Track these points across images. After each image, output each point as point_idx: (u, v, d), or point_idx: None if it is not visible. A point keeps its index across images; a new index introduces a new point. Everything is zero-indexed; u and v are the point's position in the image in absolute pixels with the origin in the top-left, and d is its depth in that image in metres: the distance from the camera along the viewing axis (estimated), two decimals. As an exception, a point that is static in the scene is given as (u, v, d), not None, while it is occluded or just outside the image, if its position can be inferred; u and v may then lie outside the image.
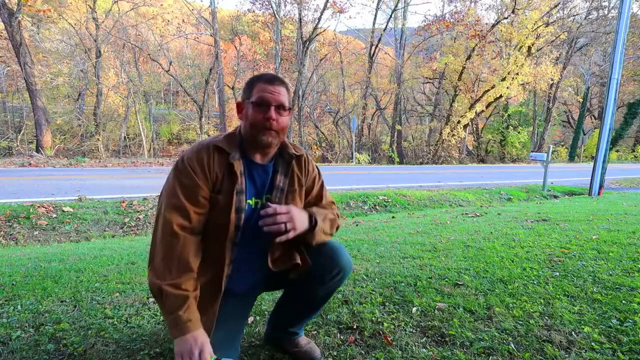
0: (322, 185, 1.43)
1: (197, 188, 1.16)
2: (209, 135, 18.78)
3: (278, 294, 1.57)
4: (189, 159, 1.17)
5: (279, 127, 1.20)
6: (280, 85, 1.21)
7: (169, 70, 17.22)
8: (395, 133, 20.80)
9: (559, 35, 17.33)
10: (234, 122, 23.87)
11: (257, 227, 1.24)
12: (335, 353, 1.44)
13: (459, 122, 17.78)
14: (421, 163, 18.46)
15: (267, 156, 1.27)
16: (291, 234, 1.17)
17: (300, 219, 1.21)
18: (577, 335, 1.50)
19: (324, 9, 17.20)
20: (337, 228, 1.39)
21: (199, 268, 1.17)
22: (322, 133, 21.07)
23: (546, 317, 1.66)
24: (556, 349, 1.41)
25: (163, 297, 1.08)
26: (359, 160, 16.79)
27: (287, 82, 1.26)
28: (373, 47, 19.77)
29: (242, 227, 1.22)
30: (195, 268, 1.15)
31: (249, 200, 1.24)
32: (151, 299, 1.91)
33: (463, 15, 17.73)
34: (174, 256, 1.11)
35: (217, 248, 1.21)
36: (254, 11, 19.24)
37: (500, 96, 17.19)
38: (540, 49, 17.57)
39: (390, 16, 19.40)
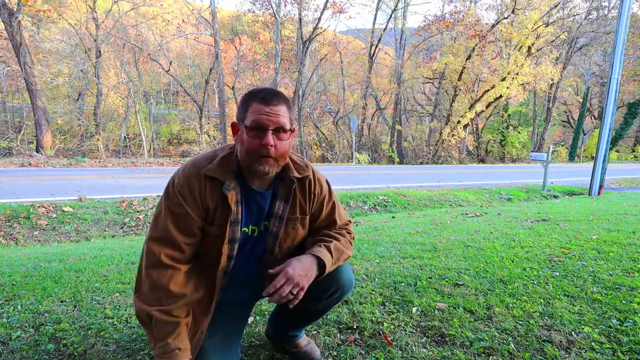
0: (333, 207, 1.28)
1: (189, 219, 1.08)
2: (209, 136, 18.65)
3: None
4: (179, 186, 1.08)
5: (277, 153, 1.06)
6: (278, 103, 1.06)
7: (169, 70, 17.23)
8: (395, 133, 20.80)
9: (559, 35, 17.33)
10: (234, 122, 23.86)
11: (251, 252, 1.21)
12: (335, 353, 1.44)
13: (459, 122, 17.78)
14: (421, 163, 18.46)
15: (266, 181, 1.17)
16: (301, 295, 1.07)
17: (303, 273, 1.08)
18: (577, 335, 1.50)
19: (324, 9, 17.21)
20: (347, 257, 1.25)
21: (192, 287, 1.13)
22: (322, 133, 21.09)
23: (546, 317, 1.66)
24: (556, 349, 1.41)
25: (152, 323, 1.01)
26: (359, 160, 16.79)
27: (287, 97, 1.12)
28: (373, 47, 19.78)
29: (235, 256, 1.16)
30: (189, 293, 1.08)
31: (244, 229, 1.17)
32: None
33: (463, 15, 17.73)
34: (162, 287, 1.04)
35: (208, 275, 1.15)
36: (254, 11, 19.28)
37: (500, 96, 17.19)
38: (540, 49, 17.57)
39: (390, 16, 19.41)
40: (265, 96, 1.06)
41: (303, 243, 1.27)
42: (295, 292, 1.06)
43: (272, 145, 1.04)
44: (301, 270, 1.08)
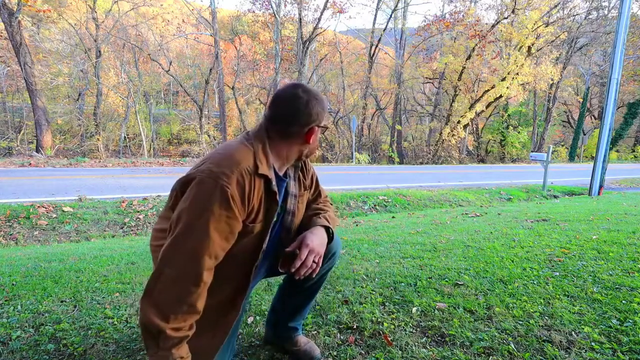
0: (317, 181, 1.42)
1: (235, 223, 1.02)
2: (209, 136, 18.55)
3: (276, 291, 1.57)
4: (228, 185, 0.98)
5: None
6: None
7: (169, 70, 17.22)
8: (395, 133, 20.80)
9: (559, 35, 17.33)
10: (234, 122, 23.88)
11: (271, 239, 1.22)
12: (335, 353, 1.44)
13: (459, 122, 17.78)
14: (421, 163, 18.45)
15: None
16: (321, 262, 1.20)
17: (320, 242, 1.20)
18: (577, 335, 1.50)
19: (324, 9, 17.21)
20: (336, 224, 1.41)
21: (213, 288, 1.06)
22: (322, 133, 21.02)
23: (546, 317, 1.66)
24: (556, 349, 1.41)
25: (160, 337, 0.96)
26: (359, 160, 16.78)
27: None
28: (373, 47, 19.77)
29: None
30: (202, 309, 1.04)
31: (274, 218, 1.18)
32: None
33: (463, 15, 17.73)
34: (187, 302, 0.98)
35: (240, 273, 1.13)
36: (254, 11, 19.28)
37: (500, 96, 17.19)
38: (540, 49, 17.56)
39: (390, 16, 19.40)
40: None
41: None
42: (317, 261, 1.18)
43: None
44: (317, 240, 1.20)
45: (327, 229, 1.27)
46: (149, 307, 0.96)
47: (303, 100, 1.10)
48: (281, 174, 1.19)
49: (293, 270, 1.14)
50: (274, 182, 1.10)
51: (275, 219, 1.21)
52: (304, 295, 1.43)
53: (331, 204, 1.44)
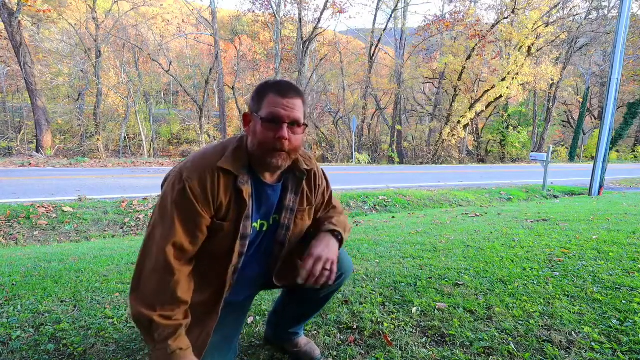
0: (330, 195, 1.35)
1: (199, 217, 1.03)
2: (209, 136, 18.55)
3: (277, 292, 1.57)
4: (189, 179, 1.01)
5: (291, 147, 1.05)
6: (295, 97, 1.05)
7: (169, 70, 17.22)
8: (395, 133, 20.81)
9: (559, 35, 17.33)
10: (234, 122, 23.88)
11: (260, 248, 1.20)
12: (335, 353, 1.44)
13: (459, 122, 17.78)
14: (421, 163, 18.45)
15: (276, 174, 1.16)
16: (335, 268, 1.13)
17: (324, 247, 1.15)
18: (577, 335, 1.50)
19: (324, 9, 17.21)
20: (350, 229, 1.35)
21: (195, 286, 1.09)
22: (322, 133, 21.05)
23: (546, 317, 1.66)
24: (556, 349, 1.41)
25: (152, 327, 0.98)
26: (359, 160, 16.78)
27: (302, 91, 1.11)
28: (373, 47, 19.77)
29: (245, 252, 1.14)
30: (189, 299, 1.05)
31: (254, 224, 1.14)
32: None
33: (463, 15, 17.73)
34: (167, 290, 1.00)
35: (217, 274, 1.12)
36: (254, 11, 19.29)
37: (500, 96, 17.19)
38: (540, 49, 17.56)
39: (390, 16, 19.41)
40: (282, 88, 1.04)
41: (306, 233, 1.30)
42: (328, 267, 1.11)
43: (286, 139, 1.03)
44: (324, 246, 1.14)
45: (334, 232, 1.21)
46: (136, 300, 1.00)
47: None
48: (265, 179, 1.13)
49: (301, 282, 1.09)
50: (240, 179, 1.06)
51: (265, 227, 1.19)
52: (305, 308, 1.40)
53: (345, 216, 1.38)
